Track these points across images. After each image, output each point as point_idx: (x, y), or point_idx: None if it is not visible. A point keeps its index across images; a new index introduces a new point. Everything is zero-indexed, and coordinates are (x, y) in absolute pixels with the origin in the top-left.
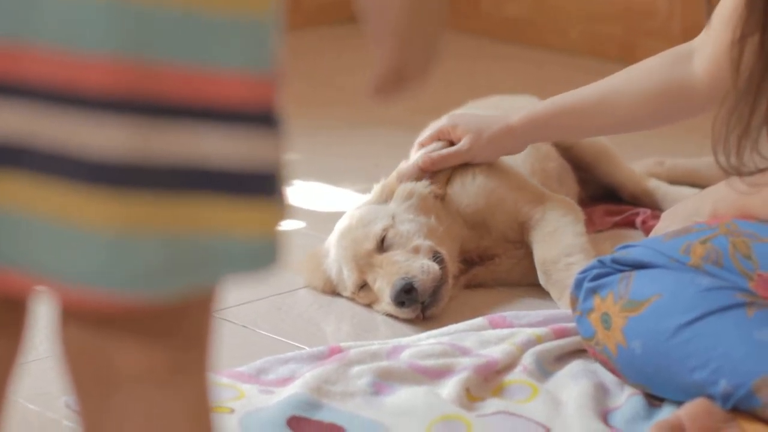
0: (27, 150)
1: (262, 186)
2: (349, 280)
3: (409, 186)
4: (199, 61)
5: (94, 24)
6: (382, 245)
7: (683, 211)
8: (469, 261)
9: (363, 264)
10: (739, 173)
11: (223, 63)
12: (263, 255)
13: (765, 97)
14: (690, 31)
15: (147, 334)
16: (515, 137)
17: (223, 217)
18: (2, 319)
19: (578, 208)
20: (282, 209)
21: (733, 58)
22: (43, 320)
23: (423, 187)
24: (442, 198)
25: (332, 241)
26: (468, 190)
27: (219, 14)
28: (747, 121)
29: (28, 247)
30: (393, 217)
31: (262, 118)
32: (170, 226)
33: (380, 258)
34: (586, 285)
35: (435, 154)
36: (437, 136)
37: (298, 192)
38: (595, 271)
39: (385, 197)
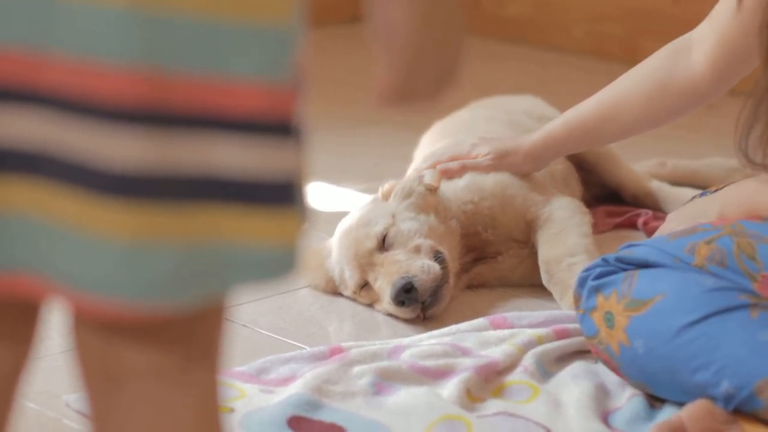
0: (45, 157)
1: (279, 195)
2: (350, 279)
3: (408, 184)
4: (216, 70)
5: (112, 33)
6: (383, 244)
7: (689, 213)
8: (471, 250)
9: (364, 263)
10: (762, 166)
11: (239, 72)
12: (279, 264)
13: None
14: (692, 30)
15: (158, 338)
16: (535, 161)
17: (239, 227)
18: (14, 324)
19: (585, 210)
20: (301, 218)
21: (761, 44)
22: (42, 319)
23: (418, 184)
24: (435, 190)
25: (334, 242)
26: (482, 185)
27: (236, 23)
28: None
29: (44, 252)
30: (393, 216)
31: (278, 128)
32: (185, 236)
33: (381, 257)
34: (590, 283)
35: (456, 163)
36: (458, 158)
37: None
38: (598, 270)
39: (384, 196)
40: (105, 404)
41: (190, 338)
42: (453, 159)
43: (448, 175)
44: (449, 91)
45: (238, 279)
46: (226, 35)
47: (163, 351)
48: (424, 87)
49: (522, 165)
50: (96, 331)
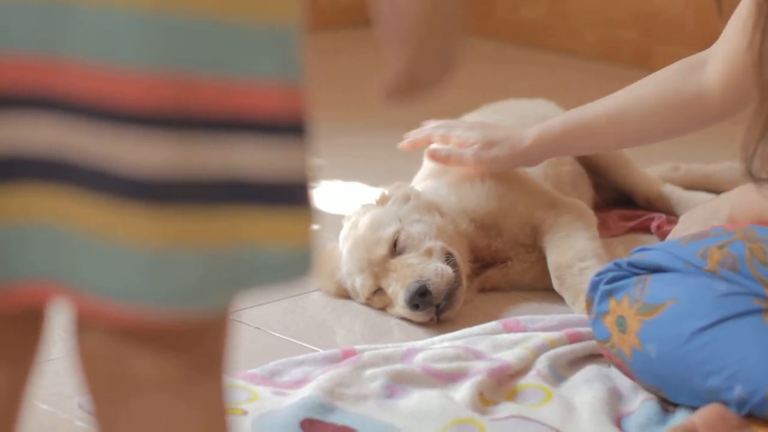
0: (66, 164)
1: (296, 196)
2: (363, 288)
3: (402, 190)
4: (234, 72)
5: (130, 38)
6: (394, 249)
7: (701, 215)
8: (480, 260)
9: (378, 270)
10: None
11: (258, 73)
12: (297, 265)
13: None
14: (705, 36)
15: (168, 344)
16: (524, 157)
17: (259, 229)
18: (12, 342)
19: (590, 212)
20: (313, 218)
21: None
22: (56, 322)
23: (409, 188)
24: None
25: (344, 252)
26: (478, 192)
27: (253, 24)
28: None
29: (64, 260)
30: (401, 220)
31: (294, 128)
32: (208, 241)
33: (394, 262)
34: (602, 287)
35: (444, 150)
36: (448, 139)
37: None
38: (611, 274)
39: (380, 204)
40: (111, 413)
41: (197, 347)
42: (444, 138)
43: (434, 158)
44: (450, 80)
45: (256, 282)
46: (245, 36)
47: (171, 361)
48: (429, 75)
49: (505, 159)
50: (107, 339)
